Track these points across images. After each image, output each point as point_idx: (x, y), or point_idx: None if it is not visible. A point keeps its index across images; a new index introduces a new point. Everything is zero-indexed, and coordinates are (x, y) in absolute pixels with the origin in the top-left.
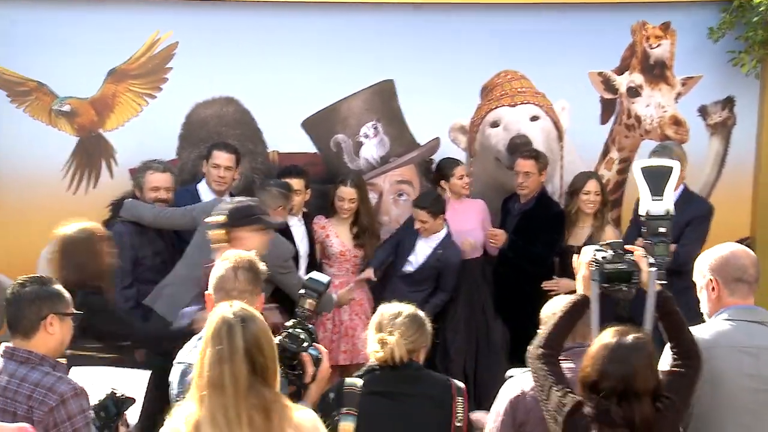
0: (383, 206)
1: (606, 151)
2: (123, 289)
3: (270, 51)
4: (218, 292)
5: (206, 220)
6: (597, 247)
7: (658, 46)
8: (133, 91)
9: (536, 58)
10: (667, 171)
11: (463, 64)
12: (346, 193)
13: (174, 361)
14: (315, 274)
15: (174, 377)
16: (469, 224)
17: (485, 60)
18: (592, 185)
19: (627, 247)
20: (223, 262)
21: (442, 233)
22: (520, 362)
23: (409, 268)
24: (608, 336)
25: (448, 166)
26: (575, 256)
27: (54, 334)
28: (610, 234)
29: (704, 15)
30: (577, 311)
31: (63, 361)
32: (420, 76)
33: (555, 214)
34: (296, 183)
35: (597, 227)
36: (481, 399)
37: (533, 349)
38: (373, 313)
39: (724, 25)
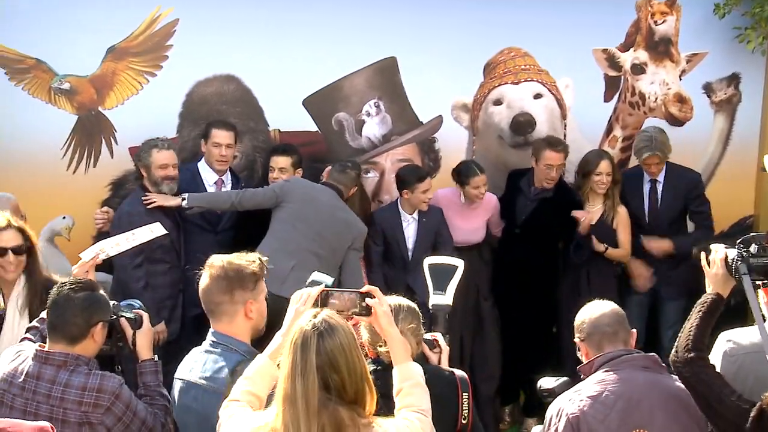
0: (385, 185)
1: (609, 129)
2: (133, 269)
3: (271, 29)
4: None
5: None
6: (737, 243)
7: (663, 22)
8: (133, 68)
9: (540, 35)
10: None
11: (466, 42)
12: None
13: (174, 376)
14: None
15: (174, 393)
16: (475, 223)
17: (488, 37)
18: (604, 166)
19: None
20: (203, 275)
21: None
22: (516, 341)
23: (411, 249)
24: None
25: (465, 173)
26: (702, 254)
27: (98, 341)
28: (623, 213)
29: None
30: (714, 310)
31: None
32: (422, 53)
33: (575, 203)
34: (283, 161)
35: (609, 207)
36: (476, 381)
37: (680, 354)
38: None
39: (730, 1)
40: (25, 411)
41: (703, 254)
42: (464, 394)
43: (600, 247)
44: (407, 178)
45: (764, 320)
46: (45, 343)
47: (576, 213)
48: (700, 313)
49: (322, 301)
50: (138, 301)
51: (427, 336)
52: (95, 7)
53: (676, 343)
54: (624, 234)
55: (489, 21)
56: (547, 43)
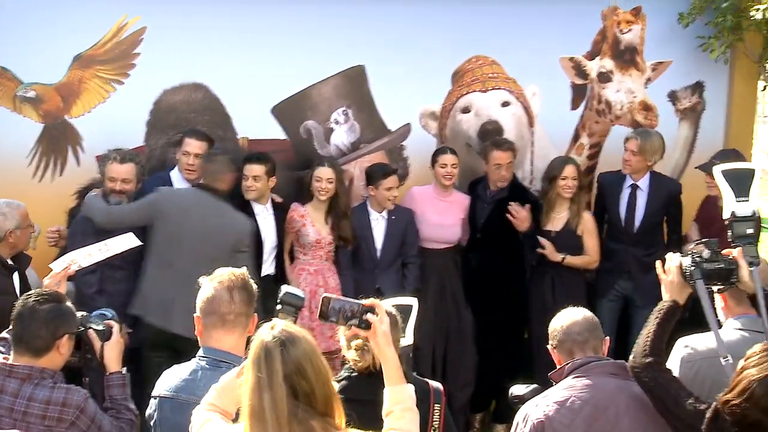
0: (354, 192)
1: (576, 137)
2: (86, 275)
3: (239, 36)
4: (209, 315)
5: None
6: (690, 248)
7: (628, 31)
8: (100, 77)
9: (507, 43)
10: (749, 173)
11: (434, 50)
12: (324, 172)
13: (152, 394)
14: (290, 288)
15: (150, 411)
16: (451, 219)
17: (456, 45)
18: (569, 171)
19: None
20: (213, 281)
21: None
22: (486, 348)
23: (379, 250)
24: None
25: (436, 152)
26: (658, 262)
27: (64, 354)
28: (588, 219)
29: (674, 0)
30: (670, 317)
31: None
32: (391, 61)
33: (530, 202)
34: (257, 169)
35: (574, 212)
36: (451, 389)
37: (638, 359)
38: None
39: (694, 10)
40: None
41: (658, 263)
42: (436, 405)
43: (557, 257)
44: (373, 174)
45: (719, 326)
46: None
47: (512, 208)
48: (657, 319)
49: (323, 308)
50: (111, 311)
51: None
52: (61, 15)
53: (633, 349)
54: (590, 240)
55: (457, 29)
56: (515, 52)
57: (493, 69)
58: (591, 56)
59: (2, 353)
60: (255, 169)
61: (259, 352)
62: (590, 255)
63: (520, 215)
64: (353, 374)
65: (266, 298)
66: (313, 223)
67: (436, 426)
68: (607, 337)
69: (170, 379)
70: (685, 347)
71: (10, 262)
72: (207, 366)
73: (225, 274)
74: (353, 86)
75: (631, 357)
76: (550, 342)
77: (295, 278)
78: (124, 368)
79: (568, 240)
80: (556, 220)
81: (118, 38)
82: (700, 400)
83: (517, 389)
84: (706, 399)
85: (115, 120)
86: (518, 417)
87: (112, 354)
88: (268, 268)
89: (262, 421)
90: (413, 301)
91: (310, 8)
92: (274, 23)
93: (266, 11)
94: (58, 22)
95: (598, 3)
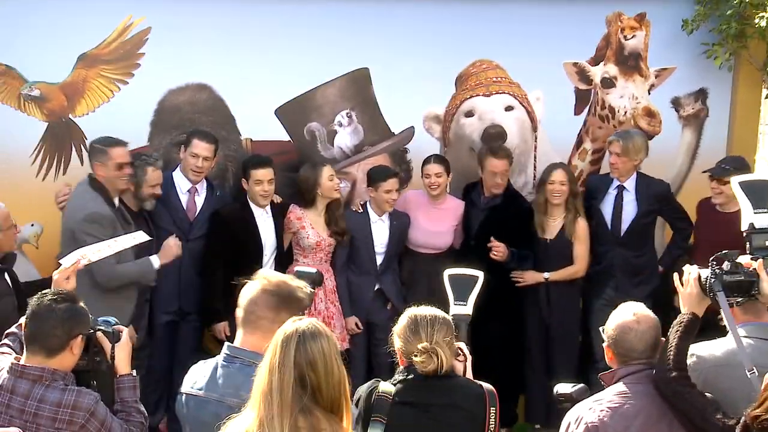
0: (357, 195)
1: (579, 142)
2: None
3: (244, 38)
4: (239, 311)
5: None
6: (710, 260)
7: (632, 37)
8: (105, 76)
9: (511, 48)
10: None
11: (438, 53)
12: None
13: (179, 390)
14: (301, 267)
15: (177, 407)
16: (442, 226)
17: (460, 49)
18: (557, 175)
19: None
20: (254, 282)
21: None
22: (478, 354)
23: (379, 253)
24: None
25: (424, 161)
26: (675, 274)
27: (76, 355)
28: (582, 226)
29: (679, 7)
30: (690, 330)
31: None
32: (395, 64)
33: (524, 210)
34: (269, 173)
35: (570, 220)
36: None
37: (662, 374)
38: None
39: (699, 17)
40: None
41: (676, 275)
42: (491, 408)
43: (539, 277)
44: (374, 176)
45: (724, 333)
46: (22, 349)
47: (492, 244)
48: (678, 332)
49: None
50: (114, 318)
51: None
52: (66, 14)
53: (657, 363)
54: (580, 247)
55: (461, 33)
56: (519, 56)
57: (497, 73)
58: (595, 62)
59: (9, 347)
60: (268, 173)
61: (280, 338)
62: (577, 263)
63: (499, 252)
64: (409, 377)
65: None
66: (312, 225)
67: (493, 428)
68: (663, 339)
69: (194, 376)
70: (691, 356)
71: None
72: (224, 362)
73: (262, 275)
74: (357, 89)
75: (654, 371)
76: (605, 339)
77: None
78: (134, 371)
79: (562, 249)
80: (551, 228)
81: (123, 38)
82: (728, 414)
83: (563, 387)
84: None
85: (119, 119)
86: (569, 417)
87: (123, 356)
88: (268, 269)
89: (268, 404)
90: (480, 273)
91: (315, 10)
92: (279, 25)
93: (271, 13)
94: (64, 21)
95: (602, 8)
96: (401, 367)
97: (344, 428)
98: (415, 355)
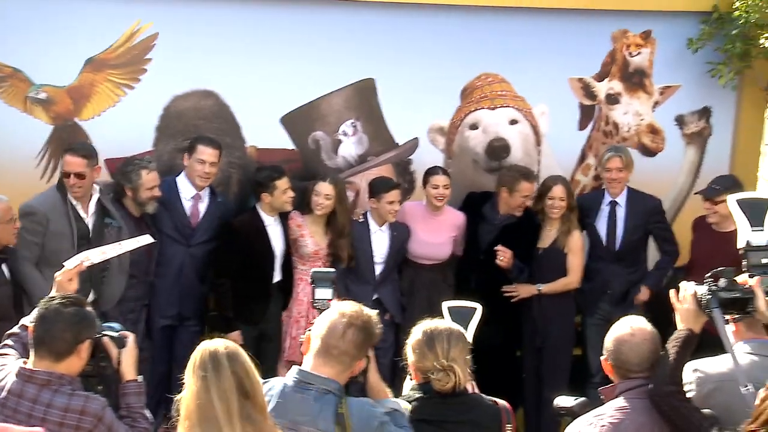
0: (360, 205)
1: (583, 157)
2: None
3: (251, 46)
4: (317, 340)
5: None
6: (706, 277)
7: (638, 54)
8: (112, 81)
9: (517, 62)
10: (765, 202)
11: (444, 66)
12: (323, 188)
13: None
14: (317, 268)
15: None
16: (440, 238)
17: (466, 62)
18: (557, 191)
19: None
20: (340, 309)
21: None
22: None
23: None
24: None
25: (427, 171)
26: (672, 291)
27: (83, 359)
28: (576, 238)
29: (684, 25)
30: (688, 346)
31: None
32: (400, 75)
33: (537, 227)
34: (213, 155)
35: (563, 232)
36: None
37: (659, 388)
38: None
39: (704, 36)
40: None
41: (672, 291)
42: (507, 425)
43: (532, 289)
44: (376, 187)
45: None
46: (26, 351)
47: (500, 252)
48: (675, 348)
49: None
50: (118, 324)
51: None
52: (74, 18)
53: (653, 378)
54: (574, 259)
55: (467, 46)
56: (524, 70)
57: (502, 87)
58: (600, 78)
59: (11, 348)
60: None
61: (203, 356)
62: (571, 274)
63: (506, 258)
64: (425, 395)
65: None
66: (311, 234)
67: None
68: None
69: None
70: (694, 371)
71: None
72: (296, 387)
73: (353, 308)
74: (363, 99)
75: (650, 386)
76: (605, 353)
77: (294, 287)
78: (140, 376)
79: (554, 258)
80: (545, 238)
81: (131, 43)
82: (724, 429)
83: (563, 401)
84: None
85: (125, 124)
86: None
87: (129, 361)
88: (277, 275)
89: (209, 420)
90: (477, 306)
91: (322, 19)
92: (286, 33)
93: (278, 21)
94: (72, 25)
95: (608, 25)
96: (415, 383)
97: (271, 424)
98: (432, 374)
